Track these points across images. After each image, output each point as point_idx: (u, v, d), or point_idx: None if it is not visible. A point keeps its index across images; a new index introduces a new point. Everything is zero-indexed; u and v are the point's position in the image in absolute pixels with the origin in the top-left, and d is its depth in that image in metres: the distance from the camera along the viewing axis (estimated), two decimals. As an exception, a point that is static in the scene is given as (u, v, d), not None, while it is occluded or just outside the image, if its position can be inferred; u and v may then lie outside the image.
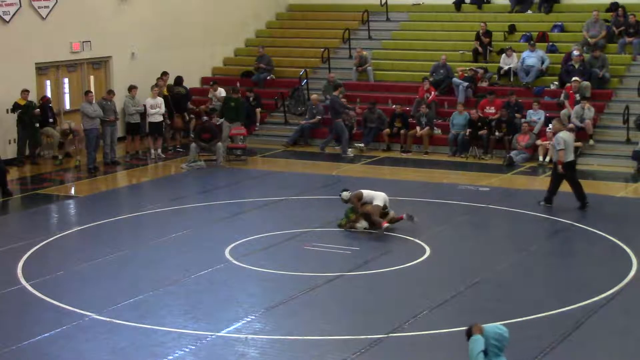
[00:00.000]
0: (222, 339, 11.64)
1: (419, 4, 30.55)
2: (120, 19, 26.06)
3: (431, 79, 25.82)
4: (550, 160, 18.74)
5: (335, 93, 24.49)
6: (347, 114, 24.78)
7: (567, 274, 14.34)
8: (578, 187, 18.24)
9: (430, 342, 11.63)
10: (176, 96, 25.80)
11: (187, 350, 11.24)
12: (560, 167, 18.01)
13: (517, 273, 14.37)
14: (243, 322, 12.16)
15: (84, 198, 20.23)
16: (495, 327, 7.31)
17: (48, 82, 24.65)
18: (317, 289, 13.50)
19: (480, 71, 26.05)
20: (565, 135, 18.21)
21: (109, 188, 21.41)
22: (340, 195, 17.00)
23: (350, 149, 24.25)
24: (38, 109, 22.81)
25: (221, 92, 26.22)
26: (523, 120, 23.62)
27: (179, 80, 26.35)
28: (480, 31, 27.04)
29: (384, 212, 16.61)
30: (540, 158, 22.69)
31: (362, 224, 16.57)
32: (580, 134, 23.03)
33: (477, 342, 7.19)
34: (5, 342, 11.48)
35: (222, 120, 24.40)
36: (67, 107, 25.17)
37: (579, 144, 22.71)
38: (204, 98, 27.22)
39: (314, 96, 26.16)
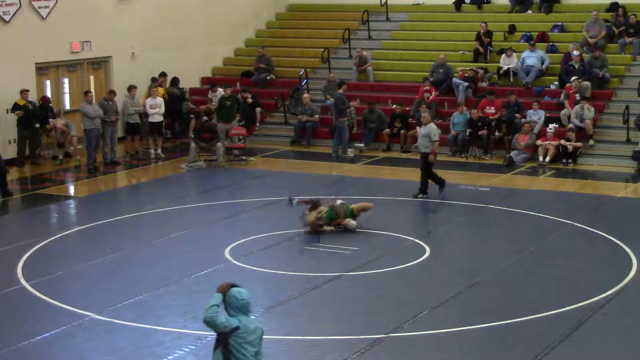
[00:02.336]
0: (222, 339, 11.62)
1: (419, 4, 30.54)
2: (120, 19, 26.06)
3: (431, 79, 25.82)
4: (422, 154, 19.11)
5: (340, 91, 24.43)
6: (349, 114, 24.76)
7: (567, 274, 14.34)
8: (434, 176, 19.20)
9: (430, 342, 11.64)
10: (170, 97, 25.74)
11: (187, 350, 11.25)
12: (433, 157, 18.78)
13: (517, 273, 14.37)
14: (243, 322, 12.15)
15: (84, 198, 20.23)
16: (237, 291, 7.87)
17: (48, 82, 24.66)
18: (317, 289, 13.51)
19: (481, 71, 26.05)
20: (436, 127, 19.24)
21: (109, 188, 21.41)
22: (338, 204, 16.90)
23: (350, 149, 24.24)
24: (20, 111, 22.71)
25: (221, 92, 26.21)
26: (523, 120, 23.63)
27: (175, 81, 26.33)
28: (481, 31, 27.04)
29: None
30: (540, 158, 22.69)
31: (352, 223, 16.54)
32: (580, 134, 23.05)
33: (214, 298, 7.82)
34: (5, 342, 11.49)
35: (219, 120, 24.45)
36: (67, 107, 25.17)
37: (579, 144, 22.75)
38: (203, 98, 27.22)
39: (305, 95, 26.14)
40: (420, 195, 19.09)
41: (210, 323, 7.76)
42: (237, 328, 7.80)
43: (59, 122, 23.29)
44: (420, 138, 19.31)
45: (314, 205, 16.59)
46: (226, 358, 7.82)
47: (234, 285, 7.96)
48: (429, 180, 19.19)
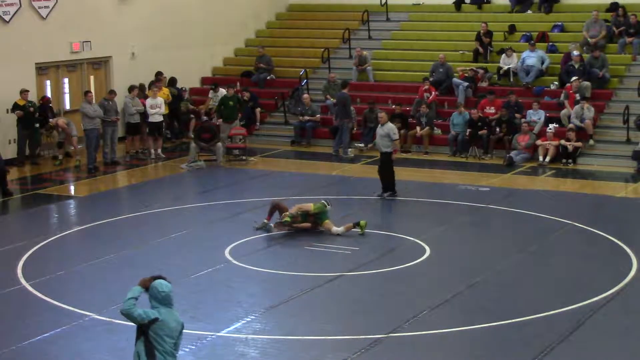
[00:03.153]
0: (222, 339, 11.64)
1: (419, 4, 30.54)
2: (120, 19, 26.06)
3: (431, 79, 25.82)
4: (383, 154, 19.11)
5: (345, 90, 24.40)
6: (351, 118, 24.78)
7: (567, 274, 14.34)
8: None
9: (430, 342, 11.64)
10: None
11: (187, 350, 11.23)
12: (395, 155, 18.97)
13: (517, 273, 14.37)
14: (243, 322, 12.16)
15: (84, 198, 20.23)
16: (159, 283, 8.19)
17: (48, 82, 24.66)
18: (317, 289, 13.51)
19: (481, 71, 26.05)
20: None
21: (109, 188, 21.40)
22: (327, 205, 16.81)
23: (350, 149, 24.24)
24: (20, 111, 22.71)
25: (223, 92, 26.21)
26: (523, 120, 23.62)
27: (172, 81, 26.31)
28: (481, 31, 27.04)
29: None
30: (540, 158, 22.69)
31: (336, 229, 16.46)
32: (580, 134, 23.05)
33: (133, 291, 8.13)
34: (5, 342, 11.49)
35: (220, 120, 24.44)
36: (67, 107, 25.17)
37: (579, 144, 22.75)
38: (203, 98, 27.22)
39: (305, 96, 26.13)
40: (387, 194, 19.05)
41: (127, 315, 8.03)
42: (156, 320, 8.03)
43: (61, 120, 23.30)
44: (379, 138, 19.23)
45: (279, 208, 16.59)
46: (148, 348, 8.06)
47: (157, 278, 8.21)
48: (389, 180, 19.16)
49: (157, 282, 8.17)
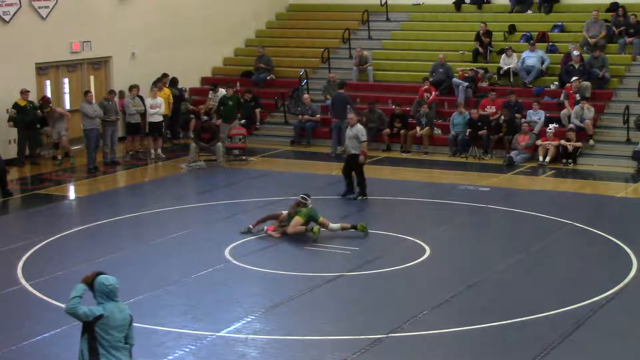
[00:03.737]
0: (222, 339, 11.64)
1: (419, 4, 30.55)
2: (120, 19, 26.06)
3: (431, 79, 25.83)
4: (350, 156, 18.96)
5: (342, 90, 24.39)
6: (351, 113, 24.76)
7: (567, 274, 14.34)
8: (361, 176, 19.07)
9: (430, 342, 11.64)
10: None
11: (187, 350, 11.25)
12: (363, 157, 18.78)
13: (517, 273, 14.37)
14: (243, 322, 12.16)
15: (84, 198, 20.24)
16: (105, 277, 8.23)
17: (48, 82, 24.66)
18: (317, 289, 13.51)
19: (481, 71, 26.05)
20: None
21: (109, 188, 21.40)
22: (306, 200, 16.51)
23: (350, 149, 24.20)
24: (13, 110, 22.70)
25: (223, 93, 26.20)
26: (523, 120, 23.62)
27: (174, 81, 26.31)
28: (481, 31, 27.04)
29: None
30: (540, 158, 22.69)
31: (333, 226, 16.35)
32: (580, 134, 23.05)
33: (76, 289, 8.17)
34: (5, 342, 11.49)
35: (220, 120, 24.45)
36: (67, 107, 25.16)
37: (579, 144, 22.75)
38: (203, 98, 27.22)
39: (306, 96, 26.12)
40: (361, 198, 18.90)
41: (72, 314, 8.10)
42: (101, 316, 8.10)
43: (59, 108, 23.25)
44: (348, 139, 19.13)
45: (274, 216, 16.52)
46: (91, 345, 8.12)
47: (99, 274, 8.26)
48: (360, 183, 18.99)
49: (103, 277, 8.22)
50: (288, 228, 16.12)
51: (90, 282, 8.21)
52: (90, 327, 8.12)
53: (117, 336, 8.17)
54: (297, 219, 16.11)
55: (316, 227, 16.07)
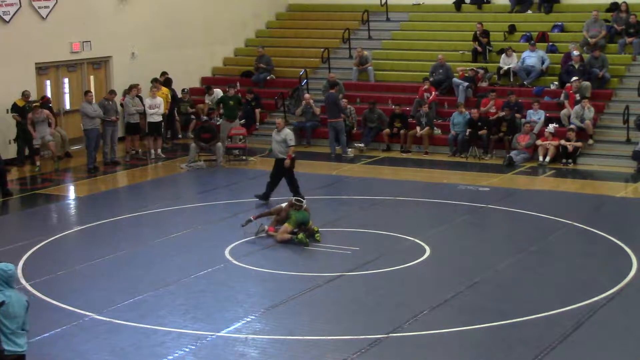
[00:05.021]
0: (222, 339, 11.64)
1: (419, 4, 30.55)
2: (120, 19, 26.06)
3: (431, 79, 25.83)
4: (277, 161, 18.83)
5: (333, 90, 24.38)
6: (349, 114, 24.74)
7: (567, 274, 14.34)
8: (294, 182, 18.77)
9: (430, 342, 11.63)
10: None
11: (187, 350, 11.25)
12: (288, 161, 18.54)
13: (517, 273, 14.37)
14: (243, 322, 12.16)
15: (84, 198, 20.24)
16: (4, 264, 8.52)
17: (48, 82, 24.66)
18: (317, 289, 13.51)
19: (481, 71, 26.05)
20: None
21: (109, 188, 21.40)
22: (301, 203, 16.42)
23: (350, 149, 24.24)
24: (17, 113, 22.67)
25: (218, 93, 26.20)
26: (523, 120, 23.63)
27: (167, 82, 26.24)
28: (477, 32, 27.04)
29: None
30: (540, 158, 22.68)
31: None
32: (580, 134, 23.05)
33: None
34: (5, 342, 11.48)
35: (220, 120, 24.43)
36: (67, 107, 25.17)
37: (579, 144, 22.75)
38: (203, 98, 27.19)
39: (306, 96, 26.11)
40: (261, 201, 18.68)
41: None
42: (3, 303, 8.35)
43: (45, 110, 22.52)
44: (275, 144, 18.95)
45: (275, 211, 16.47)
46: None
47: None
48: (292, 187, 18.63)
49: (2, 264, 8.50)
50: (277, 235, 16.08)
51: None
52: None
53: (16, 322, 8.43)
54: (286, 227, 16.03)
55: (301, 235, 15.90)
